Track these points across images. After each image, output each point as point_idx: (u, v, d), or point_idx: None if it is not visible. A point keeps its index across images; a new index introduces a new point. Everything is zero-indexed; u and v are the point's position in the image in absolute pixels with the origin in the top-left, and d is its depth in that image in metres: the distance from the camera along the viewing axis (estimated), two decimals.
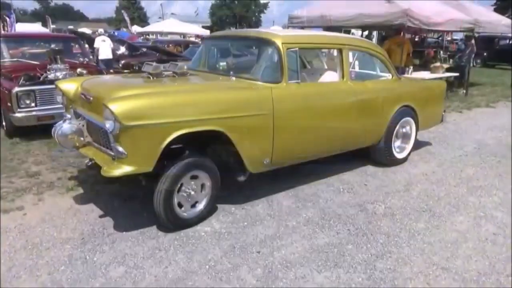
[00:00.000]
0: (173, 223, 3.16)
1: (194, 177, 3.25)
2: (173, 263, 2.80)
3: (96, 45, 10.96)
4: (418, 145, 5.80)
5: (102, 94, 3.09)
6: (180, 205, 3.21)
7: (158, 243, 3.04)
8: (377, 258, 2.91)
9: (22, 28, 28.29)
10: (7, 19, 25.79)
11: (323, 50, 4.58)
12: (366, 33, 15.97)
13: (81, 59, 7.29)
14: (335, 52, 4.20)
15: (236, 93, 3.31)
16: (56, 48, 6.53)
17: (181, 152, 3.28)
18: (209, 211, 3.40)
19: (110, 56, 10.82)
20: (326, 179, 4.39)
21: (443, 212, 3.67)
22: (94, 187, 4.03)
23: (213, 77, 3.89)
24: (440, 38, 27.12)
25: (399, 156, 4.90)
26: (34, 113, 5.66)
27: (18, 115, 5.57)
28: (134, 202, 3.68)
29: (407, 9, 8.05)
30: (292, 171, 4.30)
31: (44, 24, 32.41)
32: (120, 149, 2.78)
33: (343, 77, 4.16)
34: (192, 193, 3.24)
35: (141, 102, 2.81)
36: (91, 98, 3.23)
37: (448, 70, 10.72)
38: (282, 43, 3.62)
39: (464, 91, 10.67)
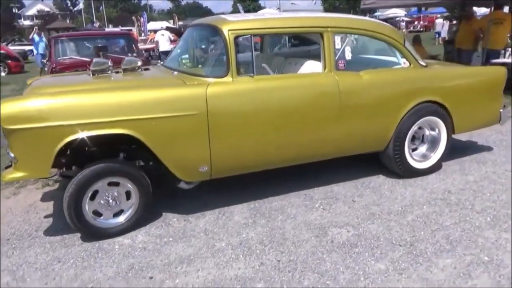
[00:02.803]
0: (85, 232, 2.94)
1: (116, 184, 2.97)
2: (57, 279, 2.57)
3: (156, 38, 11.53)
4: (472, 149, 4.58)
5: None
6: (99, 214, 2.97)
7: (67, 253, 2.84)
8: None
9: (153, 26, 31.75)
10: (141, 19, 29.15)
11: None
12: None
13: (129, 54, 7.57)
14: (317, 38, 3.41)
15: (154, 91, 2.88)
16: (99, 45, 6.91)
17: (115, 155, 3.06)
18: (135, 221, 3.07)
19: (168, 48, 11.38)
20: (310, 190, 3.67)
21: (428, 249, 2.70)
22: None
23: (156, 73, 3.51)
24: None
25: (419, 165, 3.84)
26: None
27: None
28: None
29: None
30: (276, 175, 3.71)
31: (174, 21, 35.86)
32: (11, 154, 2.64)
33: (325, 67, 3.38)
34: (111, 201, 2.97)
35: (28, 103, 2.61)
36: None
37: None
38: (229, 31, 3.06)
39: None
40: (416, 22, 35.21)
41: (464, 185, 3.67)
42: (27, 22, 53.30)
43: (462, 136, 4.93)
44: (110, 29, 37.22)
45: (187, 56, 3.61)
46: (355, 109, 3.41)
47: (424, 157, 3.88)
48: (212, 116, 2.95)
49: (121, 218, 3.00)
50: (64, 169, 3.15)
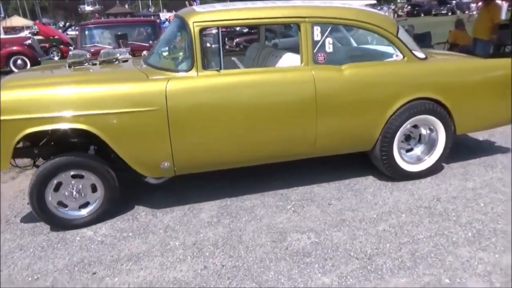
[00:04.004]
0: (49, 222, 3.02)
1: (80, 176, 3.01)
2: (11, 267, 2.66)
3: None
4: (486, 149, 4.17)
5: None
6: (65, 205, 3.04)
7: (31, 241, 2.94)
8: None
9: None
10: (193, 3, 29.83)
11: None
12: None
13: (151, 42, 7.66)
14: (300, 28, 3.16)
15: (112, 86, 2.84)
16: (119, 33, 7.06)
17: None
18: (101, 214, 3.10)
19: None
20: (289, 189, 3.50)
21: (386, 265, 2.46)
22: None
23: (127, 66, 3.44)
24: None
25: (411, 168, 3.51)
26: None
27: None
28: None
29: None
30: (261, 171, 3.62)
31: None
32: None
33: (302, 60, 3.16)
34: (74, 193, 3.02)
35: None
36: None
37: None
38: (194, 23, 2.94)
39: None
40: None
41: (459, 192, 3.31)
42: (88, 8, 56.16)
43: (479, 134, 4.48)
44: (164, 13, 38.29)
45: (166, 48, 3.54)
46: (334, 106, 3.17)
47: (418, 159, 3.55)
48: (173, 112, 2.88)
49: (84, 212, 3.05)
50: (37, 159, 3.25)
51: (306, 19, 3.11)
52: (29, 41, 12.75)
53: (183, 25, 3.07)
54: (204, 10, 3.05)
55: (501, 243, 2.59)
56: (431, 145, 3.56)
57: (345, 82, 3.17)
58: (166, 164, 3.01)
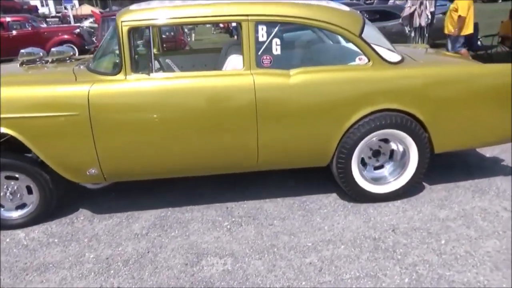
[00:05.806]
0: None
1: (15, 178, 2.99)
2: None
3: None
4: (485, 169, 3.60)
5: None
6: (1, 205, 3.05)
7: None
8: None
9: None
10: None
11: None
12: None
13: (167, 33, 7.62)
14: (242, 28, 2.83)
15: (34, 88, 2.74)
16: None
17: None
18: (37, 216, 3.07)
19: None
20: (238, 203, 3.23)
21: None
22: None
23: (66, 67, 3.28)
24: None
25: (374, 189, 3.05)
26: None
27: None
28: None
29: None
30: (230, 179, 3.42)
31: None
32: None
33: (244, 64, 2.83)
34: (8, 194, 3.01)
35: None
36: None
37: None
38: (122, 22, 2.74)
39: None
40: None
41: (425, 222, 2.81)
42: None
43: (488, 150, 3.83)
44: None
45: (103, 49, 3.34)
46: (278, 117, 2.81)
47: (384, 180, 3.08)
48: (96, 117, 2.72)
49: (15, 214, 3.03)
50: None
51: (249, 17, 2.77)
52: (78, 30, 13.39)
53: (115, 25, 2.88)
54: (137, 8, 2.83)
55: None
56: (404, 163, 3.07)
57: (291, 89, 2.79)
58: (93, 171, 2.88)
